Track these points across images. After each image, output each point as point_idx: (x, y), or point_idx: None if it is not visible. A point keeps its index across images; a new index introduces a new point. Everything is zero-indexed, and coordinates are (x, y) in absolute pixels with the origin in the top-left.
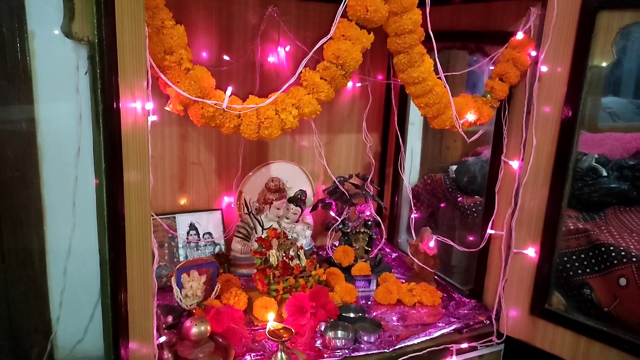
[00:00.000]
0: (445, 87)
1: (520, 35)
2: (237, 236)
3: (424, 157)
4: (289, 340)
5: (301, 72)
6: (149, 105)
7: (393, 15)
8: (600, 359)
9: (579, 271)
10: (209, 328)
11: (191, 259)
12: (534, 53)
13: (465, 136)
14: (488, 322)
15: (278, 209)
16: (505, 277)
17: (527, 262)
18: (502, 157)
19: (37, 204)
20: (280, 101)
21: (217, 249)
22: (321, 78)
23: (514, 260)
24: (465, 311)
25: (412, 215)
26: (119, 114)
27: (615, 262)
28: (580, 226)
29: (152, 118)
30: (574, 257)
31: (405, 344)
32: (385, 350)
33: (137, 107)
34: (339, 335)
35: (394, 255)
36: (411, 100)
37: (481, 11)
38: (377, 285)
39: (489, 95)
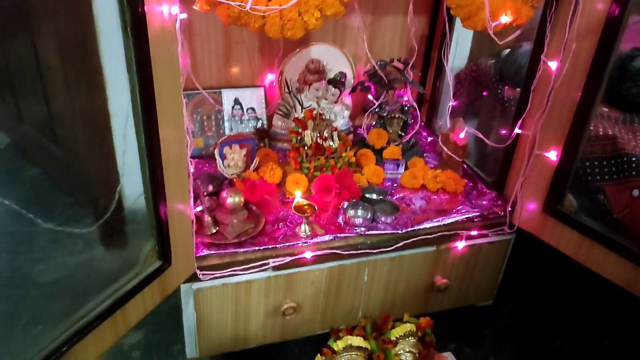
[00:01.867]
0: None
1: None
2: (278, 113)
3: (475, 42)
4: (313, 214)
5: None
6: (175, 9)
7: None
8: (599, 260)
9: (597, 177)
10: (242, 199)
11: (233, 134)
12: None
13: (496, 39)
14: (502, 213)
15: (317, 90)
16: (525, 175)
17: (547, 164)
18: (542, 57)
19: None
20: (303, 3)
21: (259, 124)
22: None
23: (535, 161)
24: (484, 202)
25: (450, 103)
26: (144, 18)
27: (634, 172)
28: (610, 132)
29: (182, 16)
30: (596, 162)
31: (418, 227)
32: (398, 231)
33: (163, 10)
34: (359, 214)
35: (429, 139)
36: None
37: None
38: (406, 168)
39: None
